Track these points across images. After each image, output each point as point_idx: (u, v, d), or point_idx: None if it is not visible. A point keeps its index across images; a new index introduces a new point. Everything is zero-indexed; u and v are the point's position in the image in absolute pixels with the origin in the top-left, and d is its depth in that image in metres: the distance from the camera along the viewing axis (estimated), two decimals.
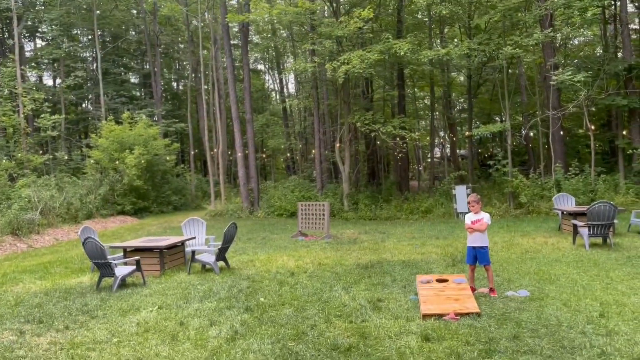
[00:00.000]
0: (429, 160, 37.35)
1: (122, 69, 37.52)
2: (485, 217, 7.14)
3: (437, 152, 40.24)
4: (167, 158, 26.34)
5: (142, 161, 23.08)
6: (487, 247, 7.20)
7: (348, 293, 7.55)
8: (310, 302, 7.12)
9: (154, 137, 25.01)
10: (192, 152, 31.98)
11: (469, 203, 7.29)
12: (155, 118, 31.27)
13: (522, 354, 4.80)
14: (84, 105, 37.37)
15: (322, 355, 5.08)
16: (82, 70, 31.15)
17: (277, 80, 41.59)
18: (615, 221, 10.45)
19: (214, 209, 22.96)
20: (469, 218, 7.24)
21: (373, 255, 10.86)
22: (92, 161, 24.18)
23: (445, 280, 7.39)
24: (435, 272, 8.76)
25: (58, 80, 33.86)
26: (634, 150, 18.22)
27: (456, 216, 18.08)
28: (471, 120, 26.13)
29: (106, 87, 31.77)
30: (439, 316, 6.02)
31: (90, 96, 35.70)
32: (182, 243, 10.72)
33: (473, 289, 7.19)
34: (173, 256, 10.34)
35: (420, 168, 41.11)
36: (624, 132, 19.26)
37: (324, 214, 14.27)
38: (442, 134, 37.00)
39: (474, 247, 7.21)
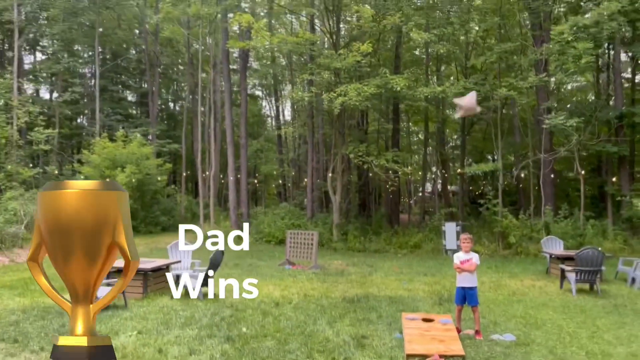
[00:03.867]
0: (420, 194, 37.48)
1: (120, 86, 37.64)
2: (474, 257, 7.11)
3: (429, 187, 40.47)
4: (159, 178, 26.21)
5: (134, 180, 22.96)
6: (476, 287, 7.15)
7: (332, 328, 7.44)
8: (293, 335, 7.00)
9: (146, 157, 24.95)
10: (184, 174, 31.90)
11: (462, 241, 7.26)
12: (150, 137, 31.26)
13: None
14: (78, 120, 37.33)
15: None
16: (79, 86, 31.16)
17: (274, 107, 41.90)
18: (603, 268, 10.45)
19: (203, 232, 22.77)
20: (458, 257, 7.21)
21: (360, 289, 10.75)
22: (82, 177, 24.01)
23: (431, 320, 7.30)
24: (422, 310, 8.67)
25: (55, 94, 33.87)
26: (623, 197, 18.39)
27: (445, 253, 18.03)
28: (464, 157, 26.39)
29: (103, 104, 31.81)
30: (423, 357, 5.91)
31: (86, 112, 35.70)
32: (167, 266, 10.58)
33: (459, 330, 7.11)
34: (157, 279, 10.18)
35: (412, 202, 41.23)
36: (614, 179, 19.45)
37: (312, 244, 14.18)
38: (434, 169, 37.23)
39: (463, 288, 7.16)
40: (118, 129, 27.64)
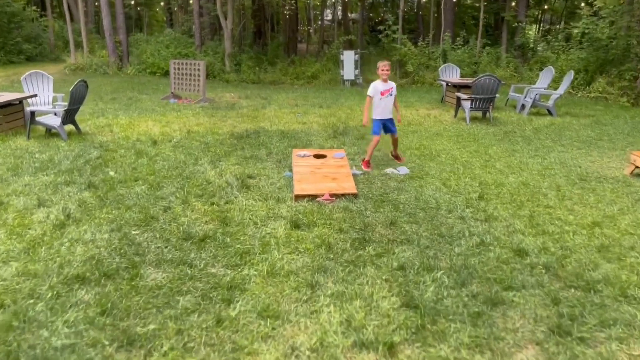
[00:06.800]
0: (320, 22, 35.61)
1: None
2: (394, 87, 6.52)
3: (328, 14, 38.41)
4: None
5: None
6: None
7: (215, 168, 6.65)
8: (169, 179, 6.14)
9: None
10: None
11: (381, 69, 6.43)
12: None
13: (398, 244, 4.32)
14: None
15: (169, 247, 4.24)
16: None
17: None
18: (497, 95, 10.33)
19: (75, 63, 20.09)
20: (376, 88, 6.52)
21: (250, 124, 9.92)
22: None
23: (323, 156, 6.72)
24: (315, 144, 8.09)
25: None
26: (518, 24, 18.27)
27: (342, 83, 17.39)
28: None
29: None
30: (313, 197, 5.37)
31: None
32: (21, 101, 8.91)
33: (368, 163, 6.66)
34: (9, 117, 8.57)
35: (311, 30, 39.32)
36: (512, 4, 19.11)
37: (199, 75, 12.79)
38: None
39: (382, 119, 6.63)
40: None
